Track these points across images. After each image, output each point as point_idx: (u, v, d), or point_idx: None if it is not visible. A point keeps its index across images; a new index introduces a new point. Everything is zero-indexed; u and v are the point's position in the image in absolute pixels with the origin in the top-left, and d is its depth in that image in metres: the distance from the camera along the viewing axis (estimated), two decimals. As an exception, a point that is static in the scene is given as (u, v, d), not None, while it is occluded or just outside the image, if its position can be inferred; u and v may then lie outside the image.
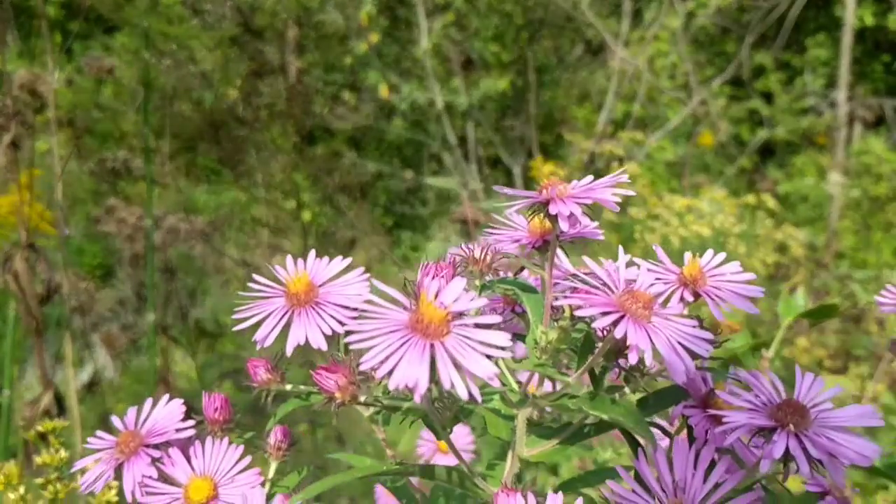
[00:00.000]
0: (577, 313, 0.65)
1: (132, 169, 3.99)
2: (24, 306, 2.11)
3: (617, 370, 0.79)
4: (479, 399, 0.60)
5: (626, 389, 0.77)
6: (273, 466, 1.09)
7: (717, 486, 0.69)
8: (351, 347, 0.66)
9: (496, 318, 0.65)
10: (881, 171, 6.65)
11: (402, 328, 0.62)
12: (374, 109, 8.05)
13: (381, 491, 1.96)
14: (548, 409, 0.94)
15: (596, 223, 0.86)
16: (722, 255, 0.77)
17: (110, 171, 3.92)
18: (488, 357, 0.61)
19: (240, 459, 0.96)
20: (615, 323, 0.64)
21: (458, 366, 0.60)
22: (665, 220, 4.45)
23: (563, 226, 0.71)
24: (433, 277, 0.68)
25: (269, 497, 0.96)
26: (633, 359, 0.63)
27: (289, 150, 6.71)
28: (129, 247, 3.88)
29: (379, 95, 7.65)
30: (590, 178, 0.77)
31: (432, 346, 0.61)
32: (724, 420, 0.68)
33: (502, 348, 0.61)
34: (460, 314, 0.64)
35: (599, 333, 0.74)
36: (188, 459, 0.96)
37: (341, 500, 3.13)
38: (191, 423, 0.99)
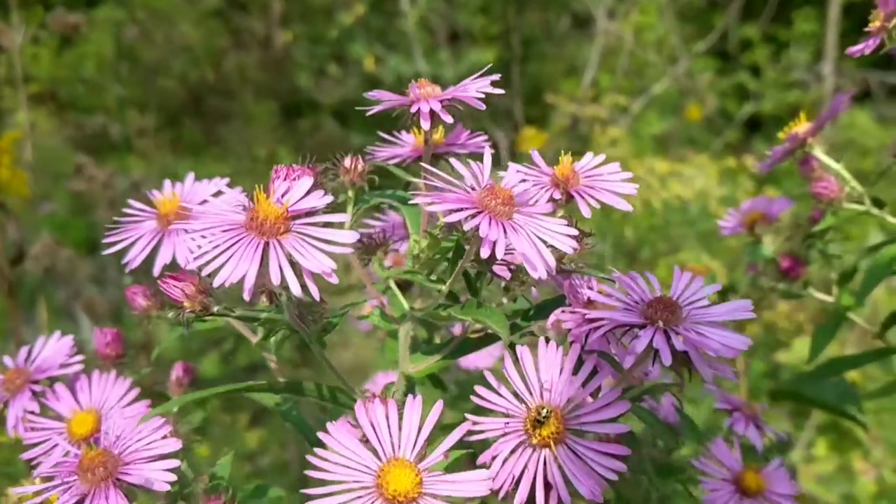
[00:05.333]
0: (428, 209, 0.63)
1: (110, 134, 3.95)
2: (-6, 268, 2.06)
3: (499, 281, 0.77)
4: (317, 296, 0.58)
5: (504, 300, 0.74)
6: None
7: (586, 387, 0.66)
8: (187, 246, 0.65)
9: (342, 217, 0.62)
10: (867, 144, 6.61)
11: (237, 227, 0.60)
12: (359, 82, 7.99)
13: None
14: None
15: (483, 137, 0.84)
16: (602, 157, 0.74)
17: (89, 136, 3.88)
18: (329, 254, 0.59)
19: (128, 392, 0.94)
20: (471, 218, 0.62)
21: (293, 263, 0.58)
22: (647, 183, 4.40)
23: (425, 125, 0.70)
24: (284, 180, 0.65)
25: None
26: (485, 253, 0.60)
27: (268, 123, 6.65)
28: (110, 216, 3.85)
29: (364, 68, 7.58)
30: (463, 82, 0.75)
31: (267, 243, 0.59)
32: (591, 318, 0.66)
33: (344, 245, 0.59)
34: (308, 213, 0.62)
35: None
36: (75, 394, 0.93)
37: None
38: (78, 358, 0.97)
